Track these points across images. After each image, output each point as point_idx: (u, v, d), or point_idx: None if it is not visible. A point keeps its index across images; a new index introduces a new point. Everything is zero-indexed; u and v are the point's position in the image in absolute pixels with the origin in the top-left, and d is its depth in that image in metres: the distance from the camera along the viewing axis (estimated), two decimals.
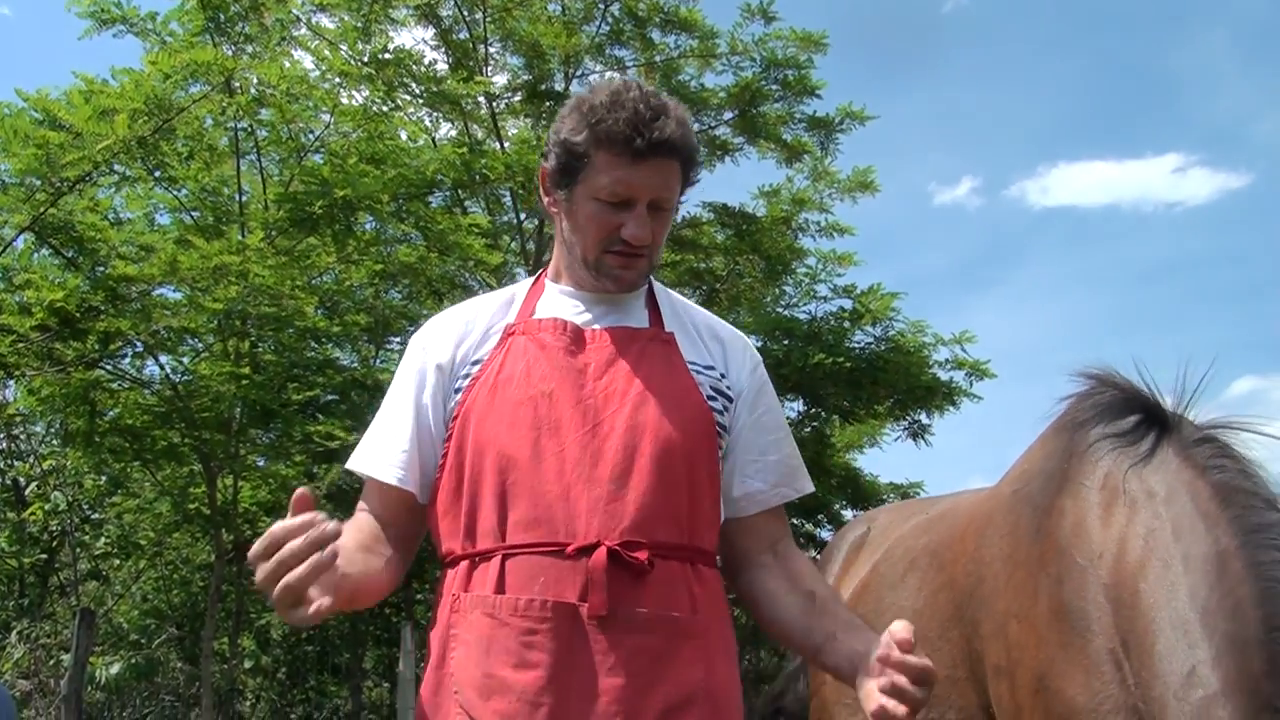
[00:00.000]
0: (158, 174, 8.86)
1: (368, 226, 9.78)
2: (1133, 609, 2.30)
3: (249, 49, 8.72)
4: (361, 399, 10.25)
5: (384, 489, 2.03)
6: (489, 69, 11.58)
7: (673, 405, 1.96)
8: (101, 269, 8.67)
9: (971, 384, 12.07)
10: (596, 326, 2.05)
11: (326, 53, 9.54)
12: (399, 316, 11.39)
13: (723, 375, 2.10)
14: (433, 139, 11.27)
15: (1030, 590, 2.62)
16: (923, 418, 12.13)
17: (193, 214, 9.51)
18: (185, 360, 9.77)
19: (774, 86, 11.55)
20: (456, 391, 2.01)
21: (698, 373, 2.05)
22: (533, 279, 2.20)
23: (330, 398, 10.78)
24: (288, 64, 8.78)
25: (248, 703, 12.83)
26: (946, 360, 12.02)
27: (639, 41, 11.35)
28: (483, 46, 11.53)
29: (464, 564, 1.92)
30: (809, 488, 2.19)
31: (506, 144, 11.40)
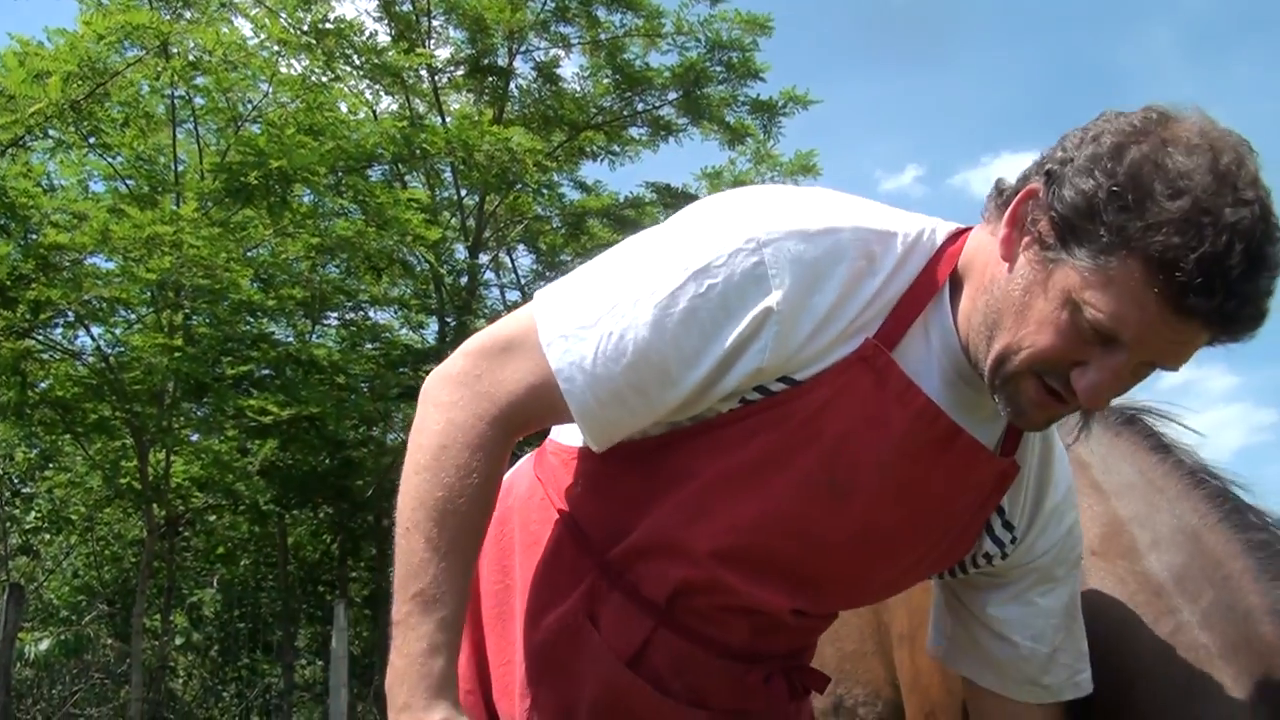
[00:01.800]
0: (92, 140, 8.72)
1: (305, 199, 9.68)
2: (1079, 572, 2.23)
3: (187, 14, 8.60)
4: (296, 374, 10.16)
5: (565, 412, 1.37)
6: (431, 42, 11.49)
7: (938, 565, 1.55)
8: (33, 235, 8.51)
9: None
10: (961, 427, 1.39)
11: (266, 20, 9.42)
12: (336, 291, 11.27)
13: (1007, 542, 1.54)
14: (373, 111, 11.16)
15: None
16: None
17: (127, 182, 9.37)
18: (117, 331, 9.63)
19: (718, 68, 11.56)
20: (746, 398, 1.35)
21: (993, 535, 1.53)
22: (934, 251, 1.38)
23: (264, 372, 10.68)
24: (225, 30, 8.65)
25: (179, 680, 12.67)
26: None
27: (584, 19, 11.32)
28: (426, 19, 11.43)
29: (592, 567, 1.47)
30: (1073, 693, 1.67)
31: (448, 118, 11.33)
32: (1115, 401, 2.50)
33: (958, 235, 1.40)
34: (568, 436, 1.56)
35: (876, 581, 1.52)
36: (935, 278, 1.37)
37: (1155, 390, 2.54)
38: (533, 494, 1.60)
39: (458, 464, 1.33)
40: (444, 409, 1.36)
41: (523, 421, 1.37)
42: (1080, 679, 1.66)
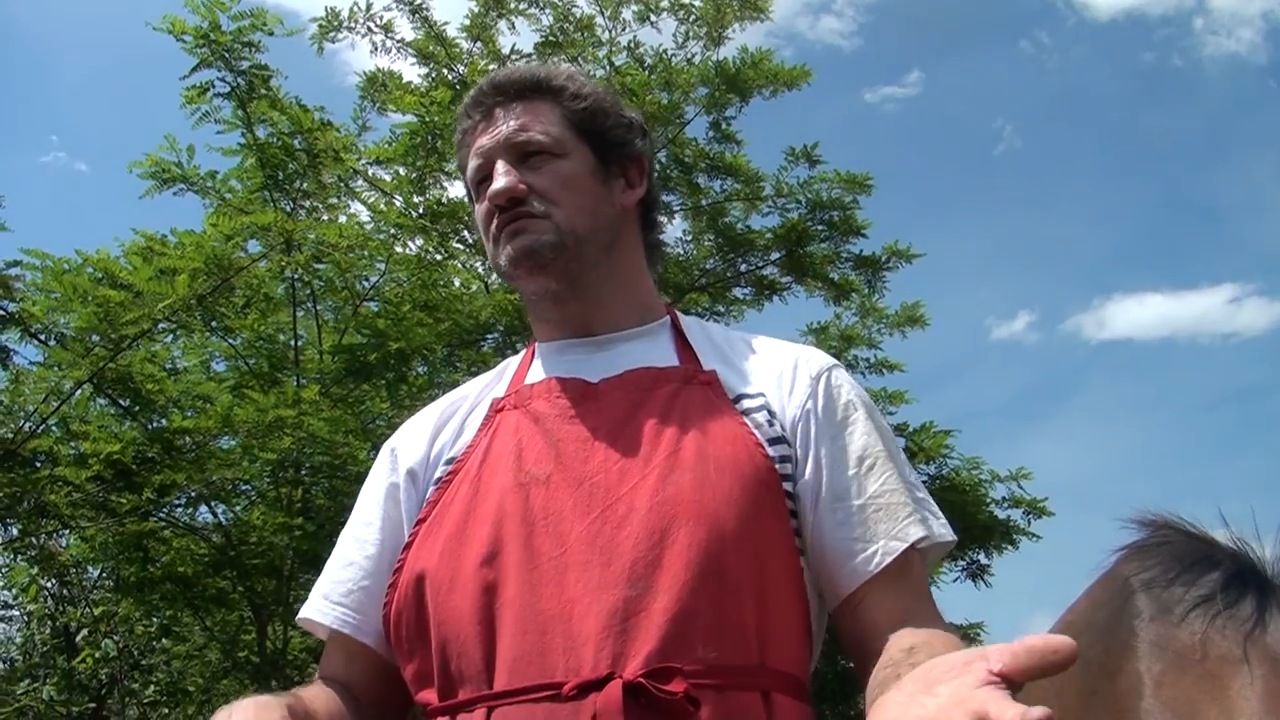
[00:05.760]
0: (214, 324, 8.97)
1: (420, 370, 9.83)
2: None
3: (306, 204, 8.89)
4: None
5: (341, 642, 1.53)
6: None
7: (721, 465, 1.38)
8: (159, 419, 8.74)
9: (1030, 522, 11.87)
10: (606, 375, 1.53)
11: (382, 205, 9.71)
12: None
13: (769, 408, 1.49)
14: (485, 284, 11.38)
15: None
16: (981, 557, 11.89)
17: (248, 361, 9.60)
18: (238, 509, 9.76)
19: (820, 227, 11.57)
20: (426, 498, 1.51)
21: (749, 413, 1.48)
22: (528, 348, 1.73)
23: None
24: (343, 218, 8.92)
25: None
26: (1003, 498, 11.85)
27: (685, 186, 11.46)
28: None
29: None
30: (920, 533, 1.42)
31: None
32: None
33: None
34: None
35: (659, 516, 1.42)
36: (532, 344, 1.71)
37: None
38: None
39: None
40: None
41: (355, 691, 1.54)
42: (894, 533, 1.43)
